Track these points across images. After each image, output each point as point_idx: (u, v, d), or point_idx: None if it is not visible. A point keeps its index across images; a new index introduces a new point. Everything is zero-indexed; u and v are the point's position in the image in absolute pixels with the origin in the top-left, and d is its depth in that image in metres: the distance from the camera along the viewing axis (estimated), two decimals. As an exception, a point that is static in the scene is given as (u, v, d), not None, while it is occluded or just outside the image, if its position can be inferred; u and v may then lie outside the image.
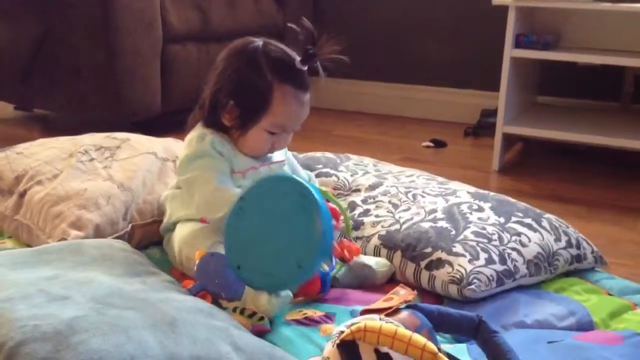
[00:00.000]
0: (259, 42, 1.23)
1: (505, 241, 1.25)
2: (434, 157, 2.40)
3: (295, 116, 1.23)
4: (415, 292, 0.94)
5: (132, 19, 2.27)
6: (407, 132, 2.73)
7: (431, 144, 2.52)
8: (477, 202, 1.38)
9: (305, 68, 1.21)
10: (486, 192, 1.46)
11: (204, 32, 2.57)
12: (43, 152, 1.49)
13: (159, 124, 2.46)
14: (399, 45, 3.01)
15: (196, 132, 1.24)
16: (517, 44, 2.19)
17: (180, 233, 1.24)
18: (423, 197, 1.42)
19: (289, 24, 1.21)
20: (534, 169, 2.28)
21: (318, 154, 1.68)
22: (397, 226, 1.32)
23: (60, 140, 1.58)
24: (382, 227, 1.33)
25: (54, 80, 2.41)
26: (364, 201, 1.43)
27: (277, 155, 1.30)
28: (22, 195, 1.37)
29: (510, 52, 2.18)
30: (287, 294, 1.07)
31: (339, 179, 1.55)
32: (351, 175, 1.56)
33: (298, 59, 1.20)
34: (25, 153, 1.50)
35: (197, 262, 1.05)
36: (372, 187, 1.48)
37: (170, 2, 2.42)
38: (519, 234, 1.28)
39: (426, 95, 2.98)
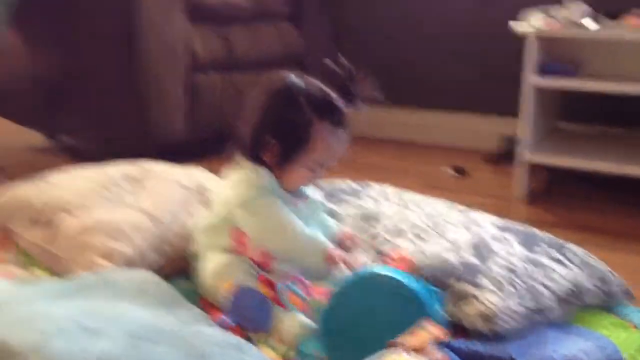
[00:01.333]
0: (296, 79, 1.25)
1: (533, 275, 1.25)
2: (455, 185, 2.40)
3: (334, 152, 1.25)
4: (447, 332, 0.94)
5: (159, 48, 2.31)
6: (428, 159, 2.74)
7: (452, 171, 2.53)
8: (502, 233, 1.39)
9: (343, 105, 1.23)
10: (511, 223, 1.47)
11: (228, 61, 2.61)
12: (72, 182, 1.52)
13: (182, 151, 2.50)
14: (419, 71, 3.03)
15: (248, 170, 1.25)
16: (538, 72, 2.20)
17: (211, 263, 1.25)
18: (447, 227, 1.42)
19: (326, 61, 1.23)
20: (557, 197, 2.27)
21: (341, 183, 1.69)
22: (421, 257, 1.32)
23: (88, 170, 1.60)
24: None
25: (82, 109, 2.46)
26: (389, 232, 1.44)
27: (310, 190, 1.32)
28: (53, 225, 1.39)
29: (530, 80, 2.19)
30: (310, 323, 1.08)
31: (362, 207, 1.56)
32: (374, 204, 1.57)
33: (336, 96, 1.22)
34: (55, 182, 1.53)
35: (228, 295, 1.07)
36: (395, 217, 1.49)
37: (196, 31, 2.47)
38: (545, 268, 1.28)
39: (446, 122, 2.99)
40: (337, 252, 1.21)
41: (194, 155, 2.52)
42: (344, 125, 1.24)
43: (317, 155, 1.23)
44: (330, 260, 1.18)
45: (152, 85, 2.33)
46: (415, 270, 1.20)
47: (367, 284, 1.06)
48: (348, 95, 1.23)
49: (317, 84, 1.25)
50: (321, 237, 1.23)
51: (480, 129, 2.89)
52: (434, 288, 1.09)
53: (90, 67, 2.38)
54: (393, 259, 1.22)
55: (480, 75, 2.88)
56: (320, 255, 1.18)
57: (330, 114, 1.22)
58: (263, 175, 1.24)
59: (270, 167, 1.25)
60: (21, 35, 2.48)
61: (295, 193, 1.29)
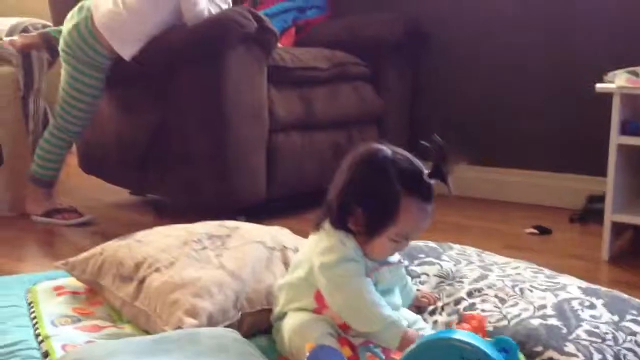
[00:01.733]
0: (387, 150, 1.26)
1: (620, 341, 1.21)
2: (539, 245, 2.34)
3: (420, 226, 1.26)
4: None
5: (241, 110, 2.40)
6: (510, 218, 2.69)
7: (535, 231, 2.47)
8: (588, 298, 1.35)
9: (433, 181, 1.24)
10: (597, 287, 1.42)
11: (308, 121, 2.67)
12: (160, 240, 1.58)
13: (263, 210, 2.56)
14: (500, 128, 3.01)
15: (334, 237, 1.26)
16: (624, 131, 2.15)
17: (291, 322, 1.27)
18: (531, 291, 1.39)
19: (421, 142, 1.25)
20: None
21: (420, 243, 1.69)
22: (504, 322, 1.29)
23: (176, 228, 1.66)
24: (489, 322, 1.31)
25: (168, 168, 2.56)
26: (469, 294, 1.42)
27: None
28: (142, 282, 1.45)
29: (616, 139, 2.14)
30: None
31: (442, 267, 1.55)
32: (454, 265, 1.56)
33: (426, 171, 1.24)
34: (144, 241, 1.59)
35: (307, 354, 1.07)
36: (477, 280, 1.47)
37: (276, 93, 2.55)
38: (634, 334, 1.23)
39: (529, 180, 2.94)
40: (413, 335, 1.19)
41: (274, 213, 2.58)
42: (431, 199, 1.25)
43: (403, 229, 1.24)
44: (406, 343, 1.16)
45: (235, 148, 2.41)
46: (490, 334, 1.17)
47: (441, 347, 1.04)
48: (437, 170, 1.24)
49: (406, 157, 1.26)
50: (399, 318, 1.21)
51: (565, 188, 2.82)
52: (512, 342, 1.05)
53: (177, 130, 2.49)
54: (470, 323, 1.20)
55: (566, 134, 2.83)
56: (397, 338, 1.17)
57: (418, 188, 1.23)
58: (348, 243, 1.25)
59: (355, 234, 1.26)
60: (113, 100, 2.63)
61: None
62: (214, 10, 2.41)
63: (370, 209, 1.23)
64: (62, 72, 2.47)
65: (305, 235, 1.61)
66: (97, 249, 1.60)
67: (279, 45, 2.65)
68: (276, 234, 1.66)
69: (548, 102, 2.88)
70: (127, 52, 2.40)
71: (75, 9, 2.44)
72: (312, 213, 1.38)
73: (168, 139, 2.53)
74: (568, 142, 2.83)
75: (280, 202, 2.69)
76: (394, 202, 1.22)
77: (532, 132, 2.93)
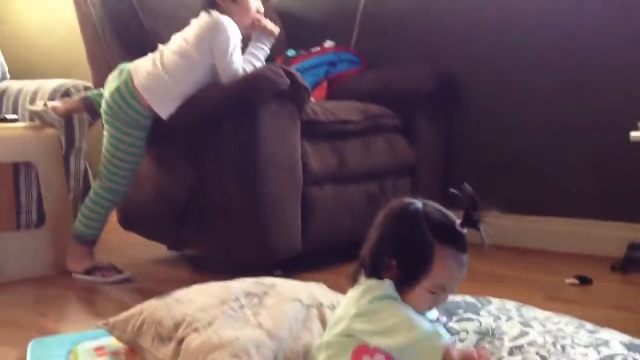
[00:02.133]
0: (418, 204, 1.28)
1: (669, 400, 1.17)
2: (580, 296, 2.29)
3: (455, 277, 1.27)
4: None
5: (276, 165, 2.43)
6: (549, 267, 2.65)
7: (576, 281, 2.42)
8: (632, 354, 1.31)
9: (465, 231, 1.25)
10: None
11: (341, 174, 2.69)
12: (198, 299, 1.59)
13: (299, 262, 2.56)
14: (536, 176, 2.99)
15: (372, 283, 1.27)
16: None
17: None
18: (573, 348, 1.36)
19: (451, 190, 1.26)
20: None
21: (458, 298, 1.66)
22: (546, 380, 1.27)
23: (213, 286, 1.68)
24: (532, 381, 1.28)
25: (204, 223, 2.59)
26: (510, 352, 1.39)
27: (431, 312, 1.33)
28: (180, 342, 1.46)
29: (655, 186, 2.11)
30: None
31: (481, 324, 1.52)
32: (494, 321, 1.53)
33: (458, 221, 1.25)
34: (183, 300, 1.61)
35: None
36: (518, 337, 1.45)
37: (309, 147, 2.58)
38: (683, 392, 1.19)
39: (568, 228, 2.90)
40: (455, 350, 1.18)
41: (310, 265, 2.59)
42: (465, 248, 1.25)
43: (438, 280, 1.24)
44: (449, 358, 1.16)
45: (270, 202, 2.43)
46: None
47: None
48: (469, 218, 1.24)
49: (438, 209, 1.28)
50: (442, 332, 1.22)
51: (605, 236, 2.78)
52: None
53: (213, 185, 2.53)
54: None
55: (604, 181, 2.80)
56: (439, 352, 1.16)
57: (451, 237, 1.24)
58: (386, 286, 1.26)
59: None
60: (151, 157, 2.69)
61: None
62: (248, 69, 2.47)
63: (404, 260, 1.24)
64: (105, 133, 2.54)
65: (341, 288, 1.61)
66: (137, 308, 1.62)
67: (312, 99, 2.69)
68: (313, 290, 1.66)
69: (584, 149, 2.86)
70: (165, 111, 2.47)
71: (116, 72, 2.53)
72: (347, 265, 1.38)
73: (205, 194, 2.57)
74: (607, 190, 2.80)
75: (316, 254, 2.70)
76: (427, 253, 1.22)
77: (569, 179, 2.90)
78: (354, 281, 1.31)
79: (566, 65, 2.89)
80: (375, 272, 1.27)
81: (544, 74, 2.94)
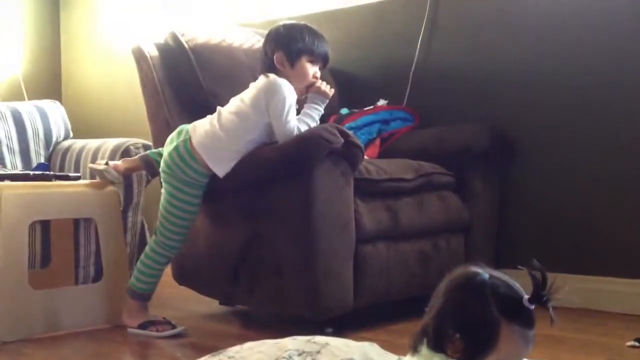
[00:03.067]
0: (484, 275, 1.25)
1: None
2: (642, 360, 2.21)
3: (521, 354, 1.23)
4: None
5: (329, 223, 2.44)
6: (609, 330, 2.56)
7: (637, 344, 2.34)
8: None
9: (533, 307, 1.22)
10: None
11: (394, 231, 2.68)
12: (252, 357, 1.60)
13: (351, 320, 2.55)
14: (594, 235, 2.92)
15: (428, 357, 1.26)
16: None
17: None
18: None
19: (519, 267, 1.24)
20: None
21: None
22: None
23: (265, 344, 1.67)
24: None
25: (257, 279, 2.61)
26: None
27: None
28: (233, 400, 1.46)
29: None
30: None
31: (539, 390, 1.48)
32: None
33: (526, 296, 1.22)
34: (236, 357, 1.61)
35: None
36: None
37: (362, 205, 2.59)
38: None
39: (629, 289, 2.81)
40: None
41: (361, 323, 2.57)
42: (532, 326, 1.22)
43: (503, 357, 1.21)
44: None
45: (324, 259, 2.44)
46: None
47: None
48: (538, 296, 1.21)
49: (505, 281, 1.25)
50: None
51: (666, 297, 2.68)
52: None
53: (267, 242, 2.56)
54: None
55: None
56: None
57: (519, 315, 1.21)
58: None
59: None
60: (206, 213, 2.74)
61: None
62: (303, 128, 2.51)
63: (468, 336, 1.21)
64: (162, 191, 2.61)
65: (394, 347, 1.59)
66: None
67: (365, 157, 2.71)
68: (366, 350, 1.64)
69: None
70: (221, 169, 2.53)
71: (175, 133, 2.62)
72: (399, 323, 1.39)
73: (258, 250, 2.59)
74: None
75: (367, 312, 2.67)
76: (493, 331, 1.19)
77: (629, 238, 2.82)
78: (414, 350, 1.29)
79: (627, 119, 2.85)
80: (438, 344, 1.25)
81: (603, 129, 2.90)
